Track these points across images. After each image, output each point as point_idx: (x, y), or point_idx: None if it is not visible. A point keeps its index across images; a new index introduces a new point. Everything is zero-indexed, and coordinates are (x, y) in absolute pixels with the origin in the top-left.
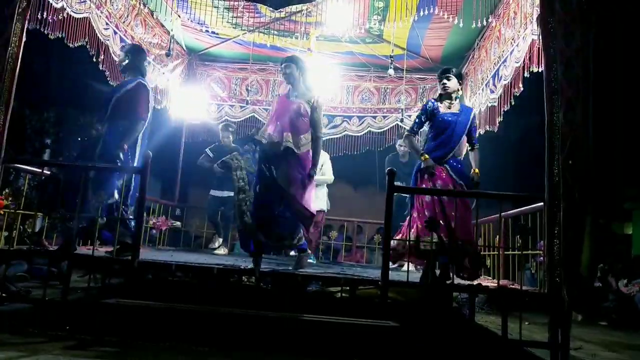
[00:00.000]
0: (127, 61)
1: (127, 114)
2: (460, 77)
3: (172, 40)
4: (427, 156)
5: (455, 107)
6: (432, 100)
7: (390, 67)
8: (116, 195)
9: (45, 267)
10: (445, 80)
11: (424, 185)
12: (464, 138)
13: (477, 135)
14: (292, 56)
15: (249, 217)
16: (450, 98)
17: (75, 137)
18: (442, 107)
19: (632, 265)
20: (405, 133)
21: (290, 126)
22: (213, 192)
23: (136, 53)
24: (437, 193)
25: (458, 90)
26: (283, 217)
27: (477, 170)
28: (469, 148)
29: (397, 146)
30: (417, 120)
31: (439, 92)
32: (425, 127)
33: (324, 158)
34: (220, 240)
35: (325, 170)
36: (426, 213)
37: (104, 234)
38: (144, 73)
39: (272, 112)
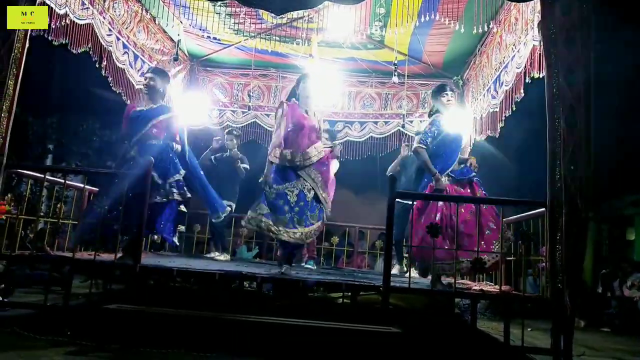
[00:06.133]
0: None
1: None
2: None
3: (178, 46)
4: None
5: None
6: None
7: (395, 75)
8: None
9: (47, 272)
10: None
11: None
12: None
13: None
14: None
15: None
16: None
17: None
18: None
19: (635, 271)
20: None
21: None
22: None
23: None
24: (437, 198)
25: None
26: None
27: None
28: None
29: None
30: None
31: None
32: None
33: None
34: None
35: None
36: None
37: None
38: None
39: None
